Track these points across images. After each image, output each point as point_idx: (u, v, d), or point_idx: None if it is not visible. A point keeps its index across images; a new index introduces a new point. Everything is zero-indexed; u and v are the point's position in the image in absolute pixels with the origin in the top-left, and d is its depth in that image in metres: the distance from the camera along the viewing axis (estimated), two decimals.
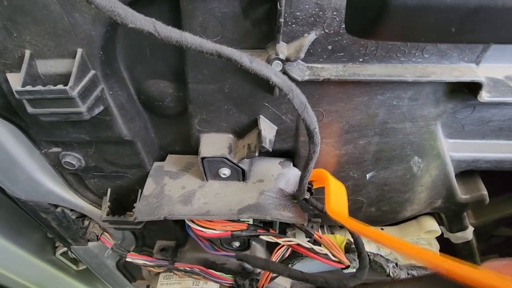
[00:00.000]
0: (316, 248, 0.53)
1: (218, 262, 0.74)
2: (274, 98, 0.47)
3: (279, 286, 0.78)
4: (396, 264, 0.57)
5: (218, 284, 0.70)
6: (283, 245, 0.56)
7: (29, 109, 0.40)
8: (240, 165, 0.51)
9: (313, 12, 0.37)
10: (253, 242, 0.73)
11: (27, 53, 0.39)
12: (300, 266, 0.58)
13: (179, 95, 0.49)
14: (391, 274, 0.56)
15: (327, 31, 0.39)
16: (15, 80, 0.40)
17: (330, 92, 0.46)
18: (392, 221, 0.70)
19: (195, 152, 0.53)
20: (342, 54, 0.42)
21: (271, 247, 0.76)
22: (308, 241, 0.54)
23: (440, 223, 0.72)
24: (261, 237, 0.54)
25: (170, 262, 0.66)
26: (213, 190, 0.54)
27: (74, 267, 0.95)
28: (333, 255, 0.53)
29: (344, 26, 0.38)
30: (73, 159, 0.54)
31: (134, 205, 0.55)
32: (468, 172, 0.61)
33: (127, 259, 0.64)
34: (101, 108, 0.44)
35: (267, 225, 0.60)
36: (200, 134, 0.52)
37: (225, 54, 0.31)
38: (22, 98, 0.39)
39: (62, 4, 0.35)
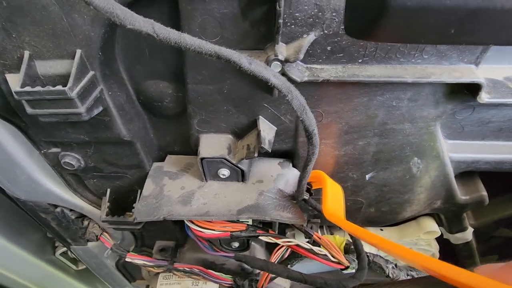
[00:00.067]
0: (315, 248, 0.53)
1: (217, 262, 0.74)
2: (273, 99, 0.47)
3: (278, 286, 0.78)
4: (396, 265, 0.57)
5: (218, 284, 0.70)
6: (283, 246, 0.56)
7: (28, 110, 0.40)
8: (239, 165, 0.51)
9: (312, 13, 0.37)
10: (252, 243, 0.73)
11: (26, 54, 0.38)
12: (300, 266, 0.58)
13: (178, 95, 0.49)
14: (390, 275, 0.56)
15: (326, 32, 0.39)
16: (14, 81, 0.40)
17: (330, 93, 0.46)
18: (392, 222, 0.70)
19: (195, 152, 0.53)
20: (341, 55, 0.41)
21: (270, 248, 0.75)
22: (308, 242, 0.54)
23: (440, 224, 0.72)
24: (260, 237, 0.54)
25: (169, 262, 0.66)
26: (213, 191, 0.54)
27: (74, 267, 0.95)
28: (333, 256, 0.53)
29: (343, 27, 0.38)
30: (72, 159, 0.54)
31: (134, 205, 0.55)
32: (467, 173, 0.61)
33: (127, 259, 0.64)
34: (100, 108, 0.44)
35: (267, 225, 0.60)
36: (200, 134, 0.52)
37: (224, 55, 0.31)
38: (21, 99, 0.39)
39: (61, 5, 0.35)
